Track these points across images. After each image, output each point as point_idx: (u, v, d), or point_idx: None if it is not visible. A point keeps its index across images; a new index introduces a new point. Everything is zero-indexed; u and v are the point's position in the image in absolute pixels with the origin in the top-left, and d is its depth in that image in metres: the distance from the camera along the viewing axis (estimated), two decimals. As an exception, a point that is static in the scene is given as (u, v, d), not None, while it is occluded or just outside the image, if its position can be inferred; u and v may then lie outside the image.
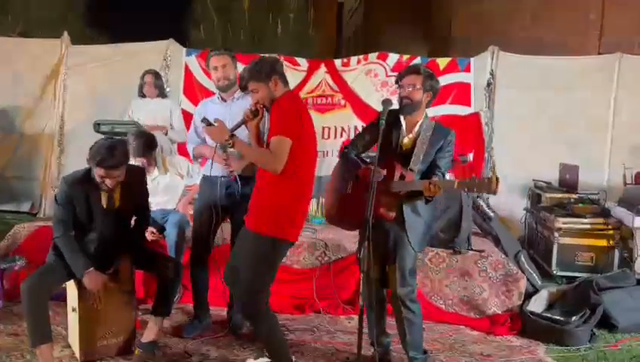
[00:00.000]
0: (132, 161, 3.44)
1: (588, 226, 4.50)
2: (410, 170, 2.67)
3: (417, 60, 6.25)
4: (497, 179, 2.38)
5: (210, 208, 3.24)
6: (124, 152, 2.84)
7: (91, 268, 2.82)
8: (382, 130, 2.61)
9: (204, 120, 2.83)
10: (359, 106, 6.09)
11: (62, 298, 3.31)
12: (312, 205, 4.98)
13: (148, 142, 3.66)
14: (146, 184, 3.15)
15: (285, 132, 2.48)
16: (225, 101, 3.35)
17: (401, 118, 2.80)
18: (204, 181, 3.39)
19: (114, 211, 2.93)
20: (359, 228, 2.61)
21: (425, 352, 2.92)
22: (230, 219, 3.36)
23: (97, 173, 2.77)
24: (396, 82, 2.84)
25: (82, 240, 2.89)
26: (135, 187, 3.01)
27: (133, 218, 3.14)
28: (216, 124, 2.72)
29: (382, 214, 2.68)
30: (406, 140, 2.79)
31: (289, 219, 2.59)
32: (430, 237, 2.96)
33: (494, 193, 2.40)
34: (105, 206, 2.89)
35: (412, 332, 2.85)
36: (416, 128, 2.77)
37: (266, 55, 4.11)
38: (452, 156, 2.77)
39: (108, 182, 2.79)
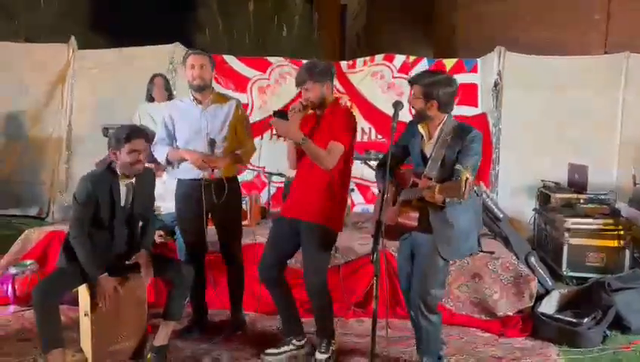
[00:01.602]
0: None
1: (598, 227, 4.48)
2: (424, 176, 2.61)
3: (424, 62, 6.26)
4: (467, 179, 2.23)
5: (193, 212, 3.25)
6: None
7: (105, 274, 2.83)
8: (393, 133, 2.62)
9: (277, 112, 2.90)
10: (366, 108, 6.11)
11: (73, 302, 3.32)
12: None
13: None
14: (155, 187, 3.16)
15: (343, 140, 2.90)
16: (201, 103, 3.29)
17: (419, 126, 2.77)
18: (182, 185, 3.34)
19: (128, 208, 2.95)
20: (399, 236, 2.79)
21: (439, 358, 2.91)
22: (213, 221, 3.37)
23: (130, 148, 2.80)
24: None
25: (98, 239, 2.88)
26: (146, 187, 3.05)
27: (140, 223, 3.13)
28: (290, 117, 2.87)
29: (401, 223, 2.68)
30: (427, 147, 2.75)
31: (343, 218, 3.09)
32: (470, 246, 2.79)
33: (463, 198, 2.27)
34: (123, 202, 2.91)
35: (429, 341, 2.84)
36: (437, 133, 2.72)
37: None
38: (477, 156, 2.62)
39: (142, 156, 2.84)
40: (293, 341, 3.15)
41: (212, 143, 3.19)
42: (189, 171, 3.25)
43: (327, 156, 2.87)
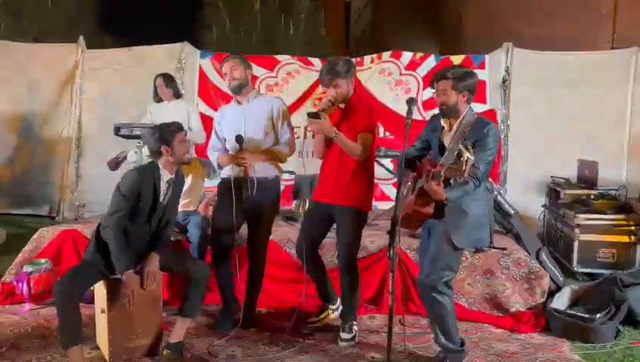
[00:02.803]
0: None
1: (609, 222, 4.48)
2: (441, 165, 2.66)
3: (431, 58, 6.26)
4: (468, 159, 2.40)
5: (228, 209, 3.31)
6: None
7: (131, 270, 2.86)
8: (408, 130, 2.66)
9: (310, 114, 3.06)
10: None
11: (88, 300, 3.35)
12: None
13: None
14: (182, 189, 3.24)
15: (371, 131, 3.16)
16: (240, 103, 3.41)
17: (442, 119, 2.85)
18: (221, 183, 3.49)
19: (164, 206, 3.02)
20: (418, 225, 2.90)
21: (462, 344, 2.94)
22: (247, 219, 3.45)
23: (181, 138, 2.98)
24: (431, 86, 2.90)
25: (131, 234, 2.92)
26: (179, 185, 3.14)
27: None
28: (323, 117, 3.05)
29: (417, 211, 2.75)
30: (445, 138, 2.82)
31: (371, 198, 3.31)
32: (480, 238, 2.84)
33: (463, 176, 2.45)
34: (161, 199, 2.98)
35: (441, 322, 2.87)
36: (456, 125, 2.79)
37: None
38: (492, 150, 2.69)
39: (187, 145, 3.05)
40: (330, 306, 3.51)
41: (239, 140, 3.25)
42: (225, 170, 3.41)
43: (359, 148, 3.09)
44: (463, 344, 2.95)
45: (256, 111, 3.38)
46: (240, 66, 3.37)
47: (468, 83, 2.75)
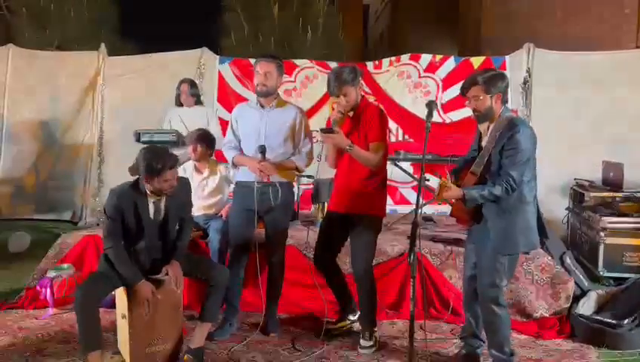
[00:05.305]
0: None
1: (635, 225, 4.38)
2: (470, 172, 2.69)
3: (450, 60, 6.21)
4: (442, 184, 2.56)
5: (246, 213, 3.33)
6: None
7: (142, 280, 2.86)
8: (428, 133, 2.65)
9: (323, 129, 3.07)
10: (393, 108, 6.07)
11: (110, 304, 3.38)
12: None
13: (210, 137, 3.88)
14: (191, 196, 3.20)
15: (383, 138, 3.17)
16: (263, 108, 3.38)
17: (479, 125, 2.85)
18: (239, 187, 3.47)
19: (160, 222, 2.98)
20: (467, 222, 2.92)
21: (512, 354, 2.89)
22: (264, 224, 3.44)
23: (164, 179, 2.79)
24: (462, 95, 2.86)
25: (131, 250, 2.94)
26: (180, 198, 3.05)
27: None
28: (336, 131, 3.06)
29: (455, 216, 2.83)
30: (483, 142, 2.80)
31: (385, 202, 3.28)
32: (529, 243, 2.79)
33: (437, 198, 2.59)
34: (152, 216, 2.94)
35: (495, 334, 2.85)
36: (491, 128, 2.76)
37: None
38: (523, 151, 2.62)
39: (172, 183, 2.85)
40: (349, 316, 3.49)
41: (262, 150, 3.23)
42: (245, 174, 3.38)
43: (374, 158, 3.11)
44: (512, 354, 2.89)
45: (278, 119, 3.35)
46: (275, 74, 3.31)
47: (499, 84, 2.73)
